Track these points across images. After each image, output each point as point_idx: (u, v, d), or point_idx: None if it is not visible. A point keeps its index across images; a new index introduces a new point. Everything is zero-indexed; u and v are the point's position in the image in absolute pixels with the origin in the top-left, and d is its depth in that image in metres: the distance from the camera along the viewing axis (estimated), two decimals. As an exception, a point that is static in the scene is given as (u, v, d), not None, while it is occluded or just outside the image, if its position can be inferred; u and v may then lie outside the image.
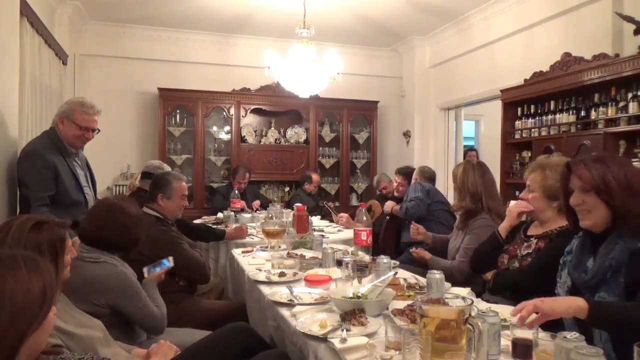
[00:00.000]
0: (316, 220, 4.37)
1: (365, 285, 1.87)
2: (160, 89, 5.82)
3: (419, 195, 3.72)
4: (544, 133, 4.32)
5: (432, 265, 2.72)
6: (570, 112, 4.05)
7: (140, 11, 5.39)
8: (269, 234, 3.00)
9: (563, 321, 1.62)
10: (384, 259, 2.10)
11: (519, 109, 4.66)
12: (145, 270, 2.20)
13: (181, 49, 6.11)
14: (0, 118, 2.68)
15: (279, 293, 2.01)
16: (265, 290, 2.13)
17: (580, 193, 1.55)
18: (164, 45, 6.06)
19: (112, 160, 5.76)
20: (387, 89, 6.93)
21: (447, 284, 2.05)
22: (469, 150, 6.49)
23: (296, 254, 2.76)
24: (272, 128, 6.43)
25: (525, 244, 2.11)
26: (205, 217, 4.79)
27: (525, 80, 4.50)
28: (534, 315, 1.35)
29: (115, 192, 5.72)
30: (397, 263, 2.62)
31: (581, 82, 3.82)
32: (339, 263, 2.32)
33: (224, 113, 6.14)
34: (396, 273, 2.03)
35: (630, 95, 3.50)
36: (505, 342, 1.42)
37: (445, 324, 1.22)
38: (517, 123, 4.68)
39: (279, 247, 3.00)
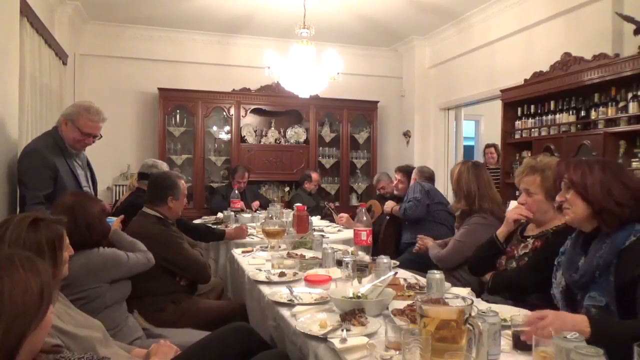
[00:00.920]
0: (316, 220, 4.37)
1: (365, 285, 1.86)
2: (160, 89, 5.82)
3: (417, 196, 3.72)
4: (544, 133, 4.32)
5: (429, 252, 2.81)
6: (570, 112, 4.05)
7: (140, 11, 5.39)
8: (269, 234, 3.00)
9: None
10: (384, 259, 2.10)
11: (519, 109, 4.66)
12: None
13: (181, 49, 6.11)
14: (0, 118, 2.68)
15: (279, 293, 2.01)
16: (265, 290, 2.12)
17: (564, 191, 1.61)
18: (164, 45, 6.06)
19: (112, 160, 5.76)
20: (387, 89, 6.93)
21: (447, 284, 2.05)
22: (486, 147, 6.19)
23: (296, 254, 2.76)
24: (272, 128, 6.43)
25: (522, 244, 2.11)
26: (205, 217, 4.79)
27: (525, 80, 4.50)
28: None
29: (115, 192, 5.72)
30: (397, 263, 2.62)
31: (581, 82, 3.82)
32: (339, 263, 2.31)
33: (224, 113, 6.14)
34: (396, 273, 2.03)
35: (630, 95, 3.50)
36: (505, 342, 1.43)
37: (445, 324, 1.22)
38: (517, 123, 4.68)
39: (279, 247, 3.00)
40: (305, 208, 3.52)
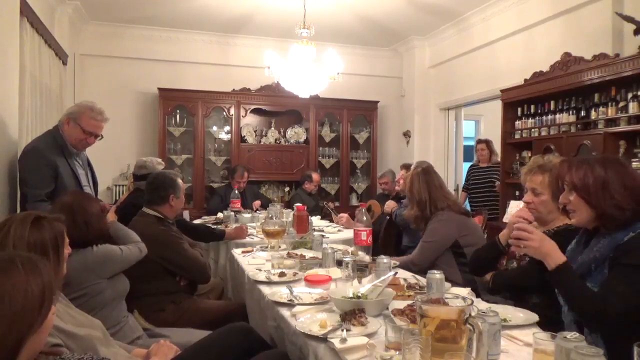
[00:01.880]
0: (316, 220, 4.37)
1: (365, 285, 1.86)
2: (160, 89, 5.81)
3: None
4: (544, 133, 4.32)
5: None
6: (570, 112, 4.05)
7: (140, 11, 5.39)
8: (269, 234, 3.00)
9: (563, 320, 1.63)
10: (384, 259, 2.10)
11: (519, 109, 4.66)
12: None
13: (181, 49, 6.11)
14: (0, 118, 2.68)
15: (279, 293, 2.01)
16: (265, 290, 2.12)
17: (567, 192, 1.61)
18: (164, 45, 6.06)
19: (112, 160, 5.75)
20: (387, 89, 6.93)
21: (447, 284, 2.05)
22: (477, 142, 5.66)
23: (296, 254, 2.76)
24: (272, 128, 6.43)
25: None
26: (205, 217, 4.79)
27: (526, 80, 4.50)
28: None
29: (115, 192, 5.72)
30: (397, 263, 2.62)
31: (581, 82, 3.82)
32: (339, 263, 2.31)
33: (224, 113, 6.14)
34: (396, 273, 2.03)
35: (630, 95, 3.50)
36: (505, 342, 1.43)
37: (445, 324, 1.22)
38: (517, 123, 4.68)
39: (279, 247, 3.00)
40: (305, 208, 3.52)
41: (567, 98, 4.12)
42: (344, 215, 4.25)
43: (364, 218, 2.76)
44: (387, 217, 4.22)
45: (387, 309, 1.70)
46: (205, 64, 6.21)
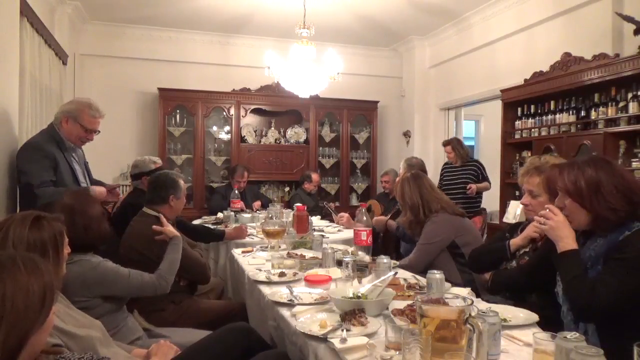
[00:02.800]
0: (316, 220, 4.36)
1: (365, 285, 1.86)
2: (160, 89, 5.81)
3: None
4: (544, 133, 4.32)
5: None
6: (570, 112, 4.05)
7: (140, 11, 5.39)
8: (269, 234, 3.00)
9: (562, 320, 1.63)
10: (384, 259, 2.10)
11: (519, 109, 4.66)
12: None
13: (181, 49, 6.11)
14: (0, 118, 2.68)
15: (279, 293, 2.01)
16: (265, 290, 2.12)
17: (561, 197, 1.61)
18: (164, 45, 6.06)
19: (112, 160, 5.75)
20: (387, 89, 6.93)
21: (447, 284, 2.05)
22: (443, 145, 5.18)
23: (296, 254, 2.76)
24: (272, 128, 6.43)
25: (523, 243, 2.11)
26: (205, 217, 4.79)
27: (526, 80, 4.50)
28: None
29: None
30: (397, 263, 2.62)
31: (581, 82, 3.82)
32: (339, 263, 2.32)
33: (224, 113, 6.14)
34: (396, 273, 2.03)
35: (630, 95, 3.50)
36: (505, 342, 1.43)
37: (445, 324, 1.22)
38: (517, 123, 4.68)
39: (279, 247, 2.99)
40: (305, 208, 3.52)
41: (567, 98, 4.13)
42: (344, 215, 4.23)
43: (364, 218, 2.76)
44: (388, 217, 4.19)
45: (387, 309, 1.70)
46: (205, 64, 6.21)
